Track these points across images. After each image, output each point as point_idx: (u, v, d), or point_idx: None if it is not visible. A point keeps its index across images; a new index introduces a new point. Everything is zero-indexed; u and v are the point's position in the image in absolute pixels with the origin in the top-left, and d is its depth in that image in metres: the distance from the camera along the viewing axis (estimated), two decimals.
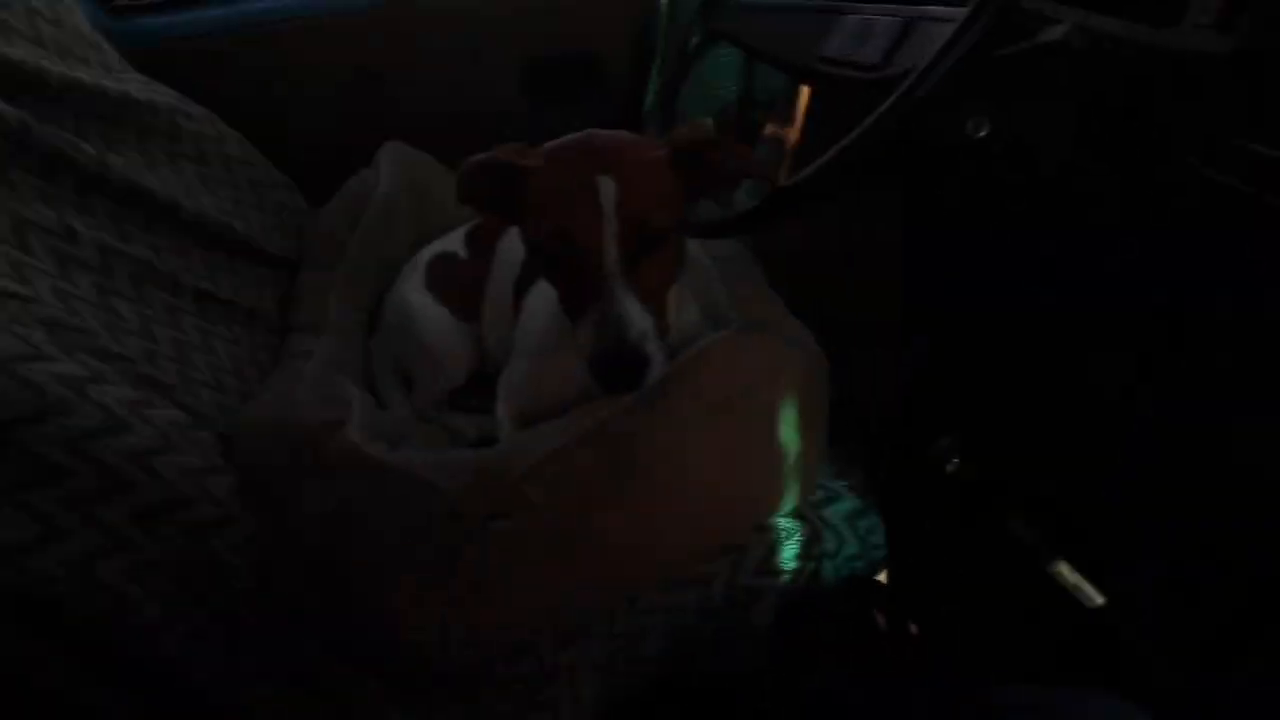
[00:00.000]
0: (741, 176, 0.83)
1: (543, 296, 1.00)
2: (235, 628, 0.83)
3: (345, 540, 0.83)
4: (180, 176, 1.17)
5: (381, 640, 0.86)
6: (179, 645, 0.79)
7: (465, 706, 0.92)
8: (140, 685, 0.81)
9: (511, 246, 1.17)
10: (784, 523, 0.91)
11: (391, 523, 0.84)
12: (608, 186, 0.74)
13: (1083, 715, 0.54)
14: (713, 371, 0.88)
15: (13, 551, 0.70)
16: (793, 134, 1.52)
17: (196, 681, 0.81)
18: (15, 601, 0.73)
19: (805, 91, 1.53)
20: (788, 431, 0.89)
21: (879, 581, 0.96)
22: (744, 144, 0.81)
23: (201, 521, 0.80)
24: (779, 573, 0.89)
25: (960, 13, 0.73)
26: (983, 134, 0.83)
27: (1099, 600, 0.80)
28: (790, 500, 0.91)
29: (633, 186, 0.75)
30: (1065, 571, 0.83)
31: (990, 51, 0.83)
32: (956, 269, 1.09)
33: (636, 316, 0.74)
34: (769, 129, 1.55)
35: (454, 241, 1.28)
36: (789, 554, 0.90)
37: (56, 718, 0.78)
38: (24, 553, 0.70)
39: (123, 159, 1.07)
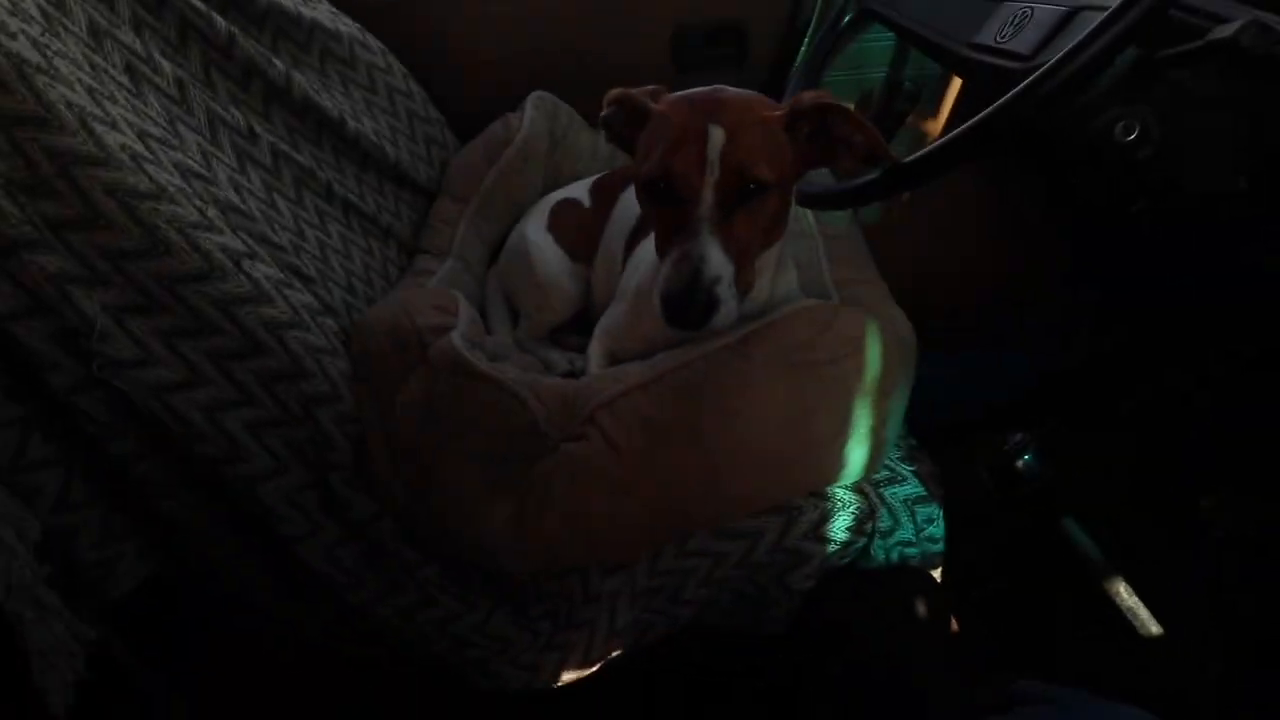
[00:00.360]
0: (862, 151, 0.84)
1: (650, 249, 1.06)
2: (329, 494, 0.95)
3: (434, 431, 0.92)
4: (350, 99, 1.31)
5: (449, 531, 0.96)
6: (276, 497, 0.91)
7: (510, 610, 1.00)
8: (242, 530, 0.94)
9: (629, 201, 1.22)
10: (842, 493, 0.92)
11: (477, 425, 0.93)
12: (716, 134, 0.77)
13: (1098, 714, 0.53)
14: (798, 332, 0.90)
15: (164, 389, 0.83)
16: (936, 127, 1.48)
17: (282, 535, 0.93)
18: (154, 433, 0.87)
19: (956, 84, 1.49)
20: (862, 405, 0.90)
21: (929, 574, 0.94)
22: (864, 119, 0.81)
23: (315, 395, 0.91)
24: (828, 541, 0.91)
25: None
26: (1131, 138, 0.80)
27: (1154, 629, 0.76)
28: (853, 473, 0.92)
29: (740, 138, 0.77)
30: (1124, 593, 0.79)
31: (1150, 49, 0.80)
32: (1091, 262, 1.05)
33: (716, 261, 0.77)
34: (911, 119, 1.52)
35: (579, 190, 1.35)
36: (841, 524, 0.91)
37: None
38: (171, 391, 0.84)
39: (304, 77, 1.21)
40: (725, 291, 0.77)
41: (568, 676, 0.99)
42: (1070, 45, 0.70)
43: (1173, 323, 1.09)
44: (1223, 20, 0.72)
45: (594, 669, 0.98)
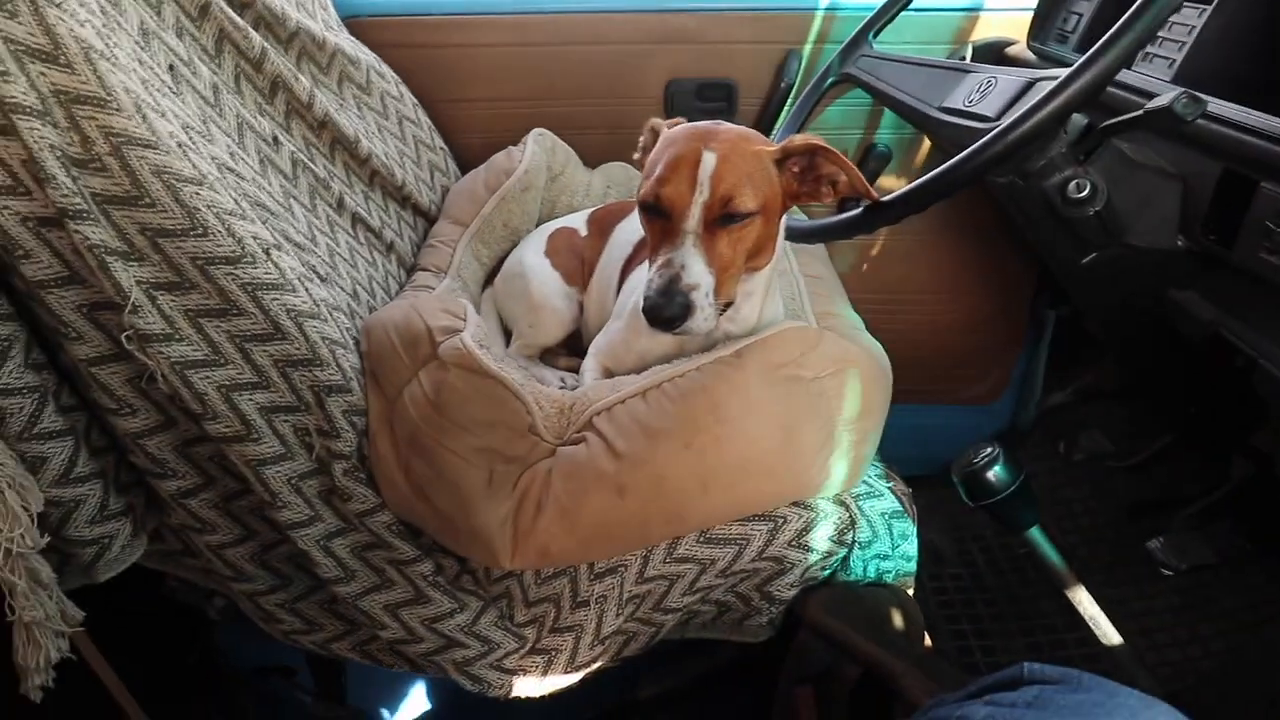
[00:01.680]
0: (844, 189, 0.95)
1: (644, 275, 1.14)
2: (330, 483, 0.98)
3: (439, 427, 0.97)
4: (363, 121, 1.38)
5: (446, 525, 0.99)
6: (281, 481, 0.94)
7: (498, 614, 1.03)
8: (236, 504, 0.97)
9: (625, 231, 1.31)
10: (824, 504, 0.99)
11: (482, 423, 0.98)
12: (709, 159, 0.87)
13: (1112, 694, 0.55)
14: (789, 348, 0.98)
15: (187, 365, 0.87)
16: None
17: (281, 520, 0.96)
18: (167, 414, 0.90)
19: (924, 149, 1.65)
20: (844, 421, 0.98)
21: (904, 591, 1.01)
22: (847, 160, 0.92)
23: (328, 384, 0.96)
24: (810, 549, 0.97)
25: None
26: (1081, 195, 0.93)
27: (1115, 639, 0.84)
28: (834, 485, 0.99)
29: (730, 165, 0.87)
30: (1085, 602, 0.88)
31: (1097, 119, 0.94)
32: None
33: (696, 270, 0.86)
34: (883, 178, 1.67)
35: (576, 220, 1.43)
36: (823, 534, 0.97)
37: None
38: (193, 368, 0.88)
39: (324, 96, 1.28)
40: (702, 299, 0.86)
41: (549, 684, 1.01)
42: (1025, 109, 0.83)
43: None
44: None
45: (576, 677, 1.01)
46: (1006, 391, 1.87)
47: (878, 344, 1.11)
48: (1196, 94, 0.77)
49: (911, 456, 1.48)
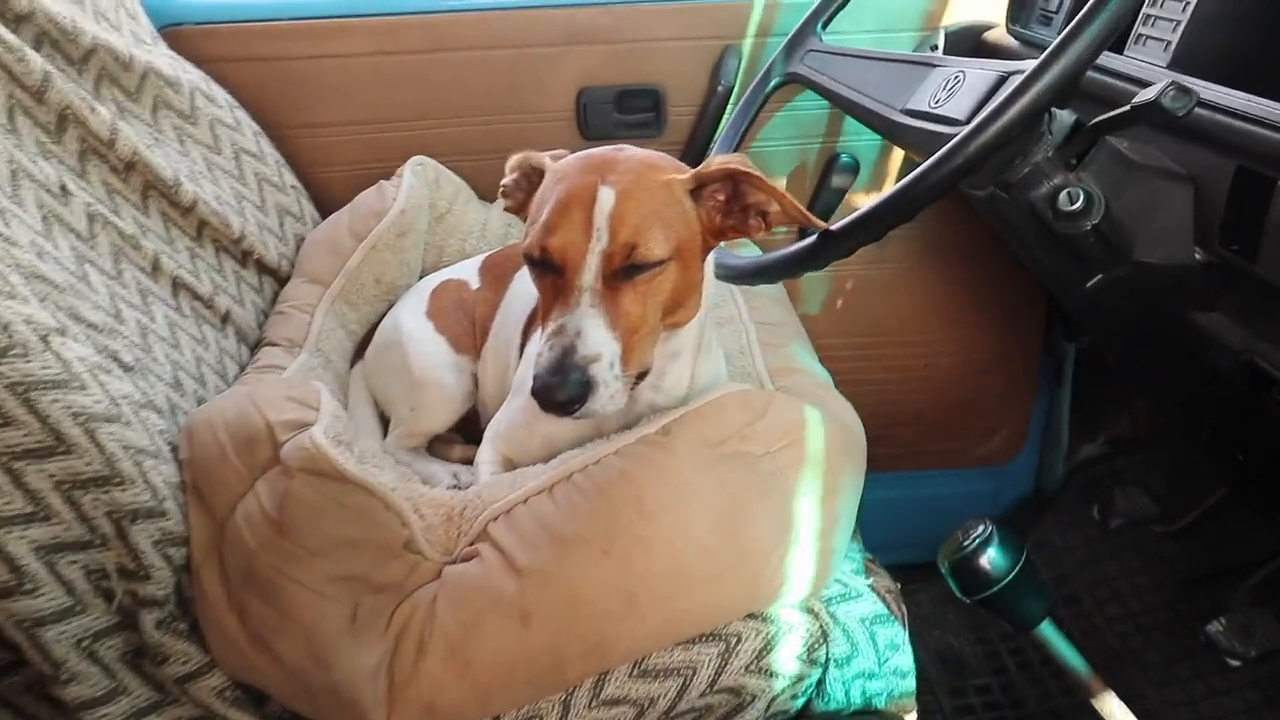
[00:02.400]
0: (779, 219, 0.96)
1: None
2: (138, 642, 0.93)
3: (285, 552, 0.94)
4: (187, 158, 1.37)
5: (297, 681, 0.95)
6: (65, 645, 0.89)
7: None
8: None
9: (527, 281, 1.31)
10: (786, 614, 0.97)
11: (341, 543, 0.95)
12: (606, 197, 0.87)
13: None
14: (728, 419, 0.98)
15: None
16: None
17: (68, 699, 0.90)
18: None
19: (899, 156, 1.69)
20: (805, 505, 0.97)
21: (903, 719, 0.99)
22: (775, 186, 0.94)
23: (131, 507, 0.92)
24: (774, 674, 0.95)
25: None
26: (1075, 207, 0.95)
27: None
28: (798, 589, 0.98)
29: (633, 203, 0.88)
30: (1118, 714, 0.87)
31: (1085, 116, 0.96)
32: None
33: (595, 338, 0.85)
34: (851, 194, 1.70)
35: (466, 270, 1.43)
36: (788, 653, 0.95)
37: None
38: None
39: (132, 129, 1.26)
40: (605, 373, 0.86)
41: None
42: (993, 108, 0.85)
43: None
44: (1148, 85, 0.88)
45: None
46: (1026, 446, 1.90)
47: (846, 403, 1.11)
48: (1186, 85, 0.79)
49: (909, 539, 1.48)
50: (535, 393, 0.86)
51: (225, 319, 1.32)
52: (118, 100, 1.29)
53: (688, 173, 0.94)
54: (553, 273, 0.89)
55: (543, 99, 1.66)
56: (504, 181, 1.03)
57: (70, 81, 1.18)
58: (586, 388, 0.85)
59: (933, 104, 1.11)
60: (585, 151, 0.96)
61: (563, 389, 0.84)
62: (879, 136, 1.64)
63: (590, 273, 0.87)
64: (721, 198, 0.95)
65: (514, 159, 1.02)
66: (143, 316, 1.16)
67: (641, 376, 0.92)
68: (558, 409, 0.85)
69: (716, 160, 0.94)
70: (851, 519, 1.04)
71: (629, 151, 0.94)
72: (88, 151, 1.20)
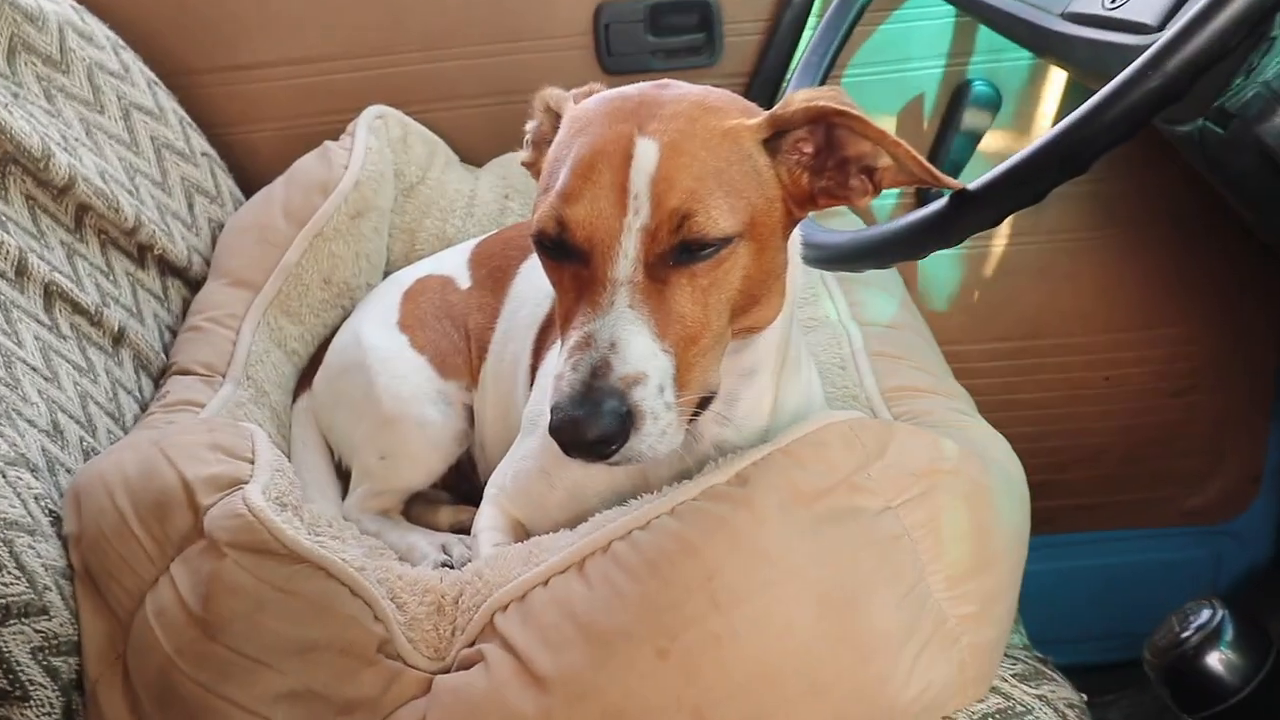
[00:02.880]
0: (894, 177, 0.96)
1: None
2: None
3: (212, 657, 0.96)
4: (58, 119, 1.41)
5: None
6: None
7: None
8: None
9: (537, 276, 1.32)
10: None
11: (293, 646, 0.97)
12: (646, 154, 0.88)
13: None
14: (831, 463, 0.98)
15: None
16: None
17: None
18: None
19: (1058, 80, 1.70)
20: (944, 580, 0.97)
21: None
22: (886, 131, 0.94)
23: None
24: None
25: None
26: None
27: None
28: (936, 700, 0.98)
29: (685, 160, 0.88)
30: None
31: None
32: None
33: (638, 350, 0.86)
34: (991, 134, 1.71)
35: (451, 262, 1.45)
36: None
37: None
38: None
39: None
40: (653, 400, 0.86)
41: None
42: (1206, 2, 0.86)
43: None
44: None
45: None
46: (1259, 496, 1.88)
47: (996, 435, 1.12)
48: None
49: (1096, 630, 1.47)
50: (555, 430, 0.85)
51: (118, 339, 1.35)
52: None
53: (760, 115, 0.95)
54: (574, 260, 0.90)
55: (547, 20, 1.69)
56: (528, 127, 1.04)
57: None
58: (627, 421, 0.85)
59: (1111, 3, 1.12)
60: (617, 90, 0.97)
61: (594, 424, 0.84)
62: (1028, 54, 1.66)
63: (627, 259, 0.87)
64: (809, 150, 0.95)
65: (541, 95, 1.03)
66: (4, 339, 1.19)
67: (705, 403, 0.92)
68: (587, 452, 0.85)
69: (799, 96, 0.94)
70: (1013, 601, 1.04)
71: (676, 89, 0.95)
72: None
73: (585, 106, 0.96)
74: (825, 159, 0.95)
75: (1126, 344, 1.78)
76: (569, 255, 0.90)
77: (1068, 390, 1.80)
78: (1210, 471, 1.86)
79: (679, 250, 0.87)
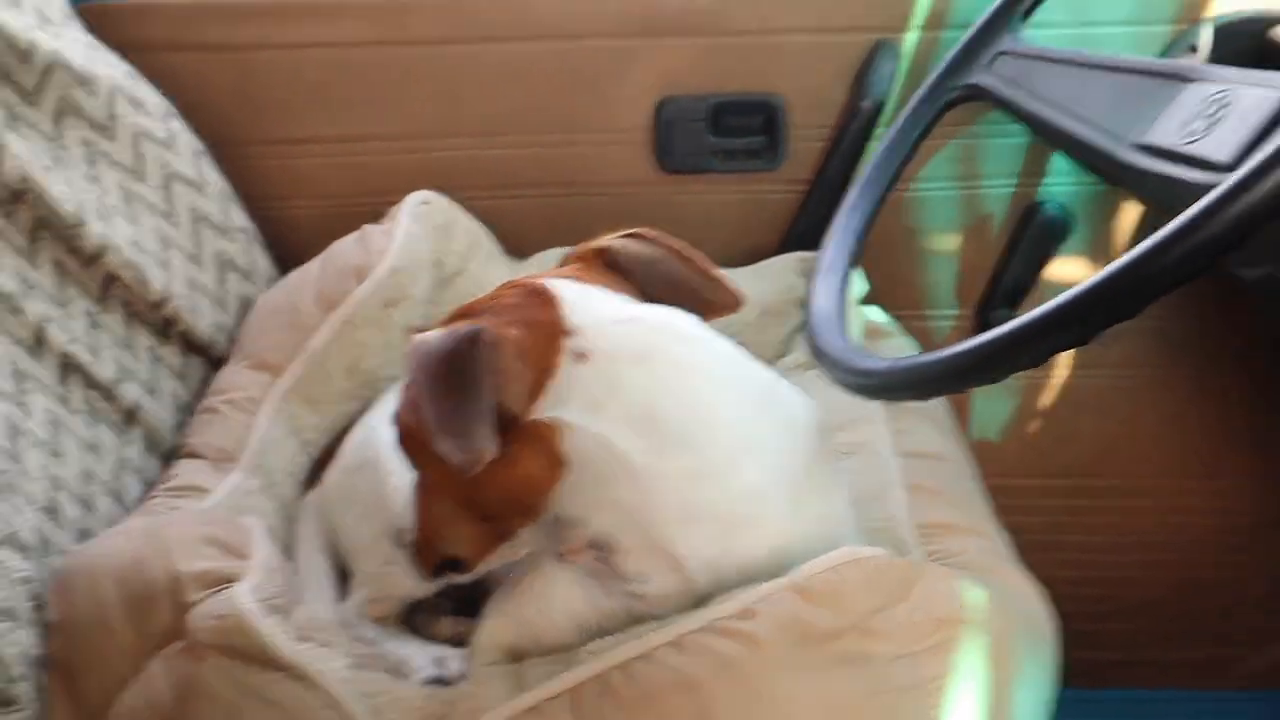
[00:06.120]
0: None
1: None
2: None
3: None
4: (97, 185, 1.44)
5: None
6: None
7: None
8: None
9: None
10: None
11: None
12: None
13: None
14: (841, 602, 0.95)
15: None
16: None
17: None
18: None
19: (1135, 209, 1.68)
20: None
21: None
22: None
23: None
24: None
25: None
26: None
27: None
28: None
29: None
30: None
31: None
32: None
33: None
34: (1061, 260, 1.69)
35: None
36: None
37: None
38: None
39: (26, 143, 1.33)
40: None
41: None
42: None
43: None
44: None
45: None
46: None
47: (1025, 579, 1.09)
48: None
49: None
50: None
51: (131, 416, 1.36)
52: (8, 103, 1.36)
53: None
54: None
55: (607, 112, 1.70)
56: None
57: None
58: None
59: (1185, 138, 1.10)
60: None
61: None
62: (1098, 180, 1.65)
63: None
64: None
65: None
66: (13, 409, 1.20)
67: None
68: None
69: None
70: None
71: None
72: None
73: None
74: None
75: (1189, 491, 1.76)
76: None
77: (1116, 536, 1.77)
78: (1276, 632, 1.80)
79: None
